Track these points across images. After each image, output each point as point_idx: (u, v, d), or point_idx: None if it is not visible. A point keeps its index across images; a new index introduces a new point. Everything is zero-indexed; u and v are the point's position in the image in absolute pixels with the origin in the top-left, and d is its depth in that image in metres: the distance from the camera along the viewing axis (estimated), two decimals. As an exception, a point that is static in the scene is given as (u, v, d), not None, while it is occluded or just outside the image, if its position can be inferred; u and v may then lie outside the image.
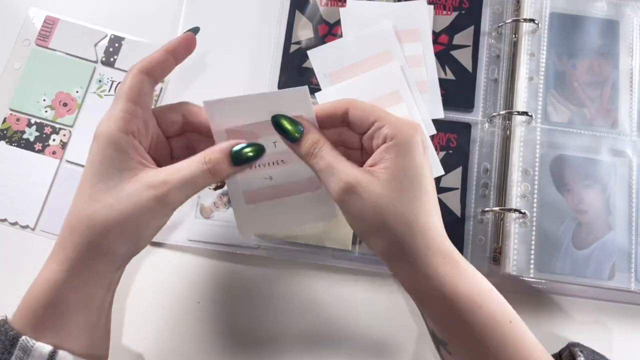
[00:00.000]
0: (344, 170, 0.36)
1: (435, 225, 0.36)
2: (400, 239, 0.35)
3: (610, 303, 0.49)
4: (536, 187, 0.49)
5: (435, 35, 0.53)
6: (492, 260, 0.49)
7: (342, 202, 0.36)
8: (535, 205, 0.48)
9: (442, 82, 0.52)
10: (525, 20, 0.51)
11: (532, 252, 0.48)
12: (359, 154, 0.40)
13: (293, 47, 0.53)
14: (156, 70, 0.38)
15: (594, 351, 0.40)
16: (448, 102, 0.52)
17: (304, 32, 0.53)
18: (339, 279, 0.50)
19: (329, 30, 0.53)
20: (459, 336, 0.36)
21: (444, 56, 0.52)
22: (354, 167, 0.36)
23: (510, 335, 0.35)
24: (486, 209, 0.49)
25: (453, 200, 0.50)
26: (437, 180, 0.50)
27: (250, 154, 0.37)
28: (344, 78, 0.51)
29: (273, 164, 0.39)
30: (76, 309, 0.35)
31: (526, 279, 0.47)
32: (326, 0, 0.54)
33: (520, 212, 0.48)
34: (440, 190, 0.50)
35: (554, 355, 0.38)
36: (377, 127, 0.37)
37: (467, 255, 0.49)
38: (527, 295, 0.49)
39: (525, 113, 0.49)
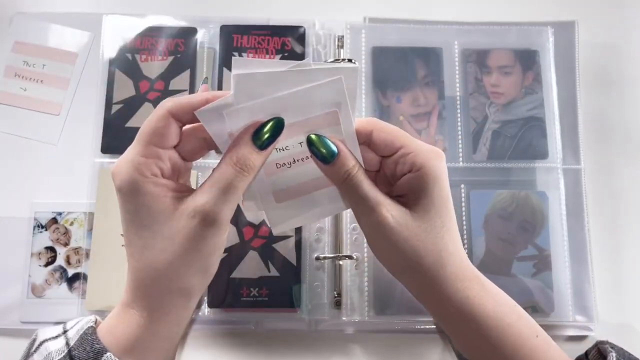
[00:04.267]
0: (376, 201, 0.35)
1: (460, 251, 0.37)
2: (430, 269, 0.35)
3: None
4: (366, 228, 0.48)
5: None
6: (334, 305, 0.48)
7: (372, 233, 0.36)
8: (366, 247, 0.48)
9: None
10: (344, 60, 0.51)
11: (367, 295, 0.47)
12: (373, 175, 0.39)
13: (115, 107, 0.52)
14: (187, 116, 0.35)
15: (623, 349, 0.39)
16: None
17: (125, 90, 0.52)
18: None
19: (150, 87, 0.52)
20: (488, 355, 0.36)
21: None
22: (386, 198, 0.36)
23: (538, 349, 0.36)
24: (320, 255, 0.48)
25: (287, 248, 0.49)
26: (272, 230, 0.49)
27: (270, 131, 0.35)
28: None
29: (298, 160, 0.37)
30: (157, 349, 0.36)
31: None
32: (145, 56, 0.52)
33: (351, 257, 0.47)
34: (274, 239, 0.49)
35: (579, 357, 0.39)
36: (402, 153, 0.36)
37: (305, 302, 0.48)
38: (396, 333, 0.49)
39: (349, 154, 0.49)
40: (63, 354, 0.33)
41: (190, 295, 0.36)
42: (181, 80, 0.52)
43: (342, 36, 0.53)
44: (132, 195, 0.34)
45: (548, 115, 0.51)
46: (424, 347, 0.48)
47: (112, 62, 0.53)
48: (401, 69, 0.52)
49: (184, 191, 0.35)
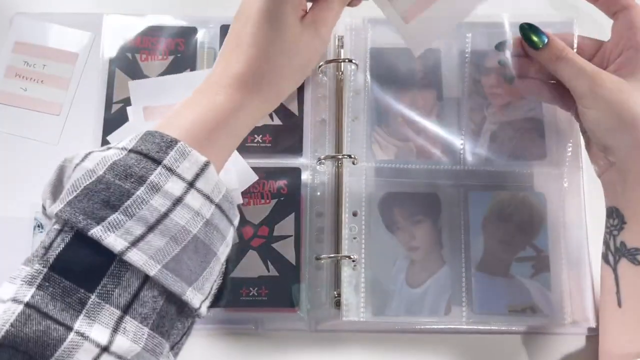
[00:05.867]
0: (592, 70, 0.42)
1: None
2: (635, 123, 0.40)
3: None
4: (364, 228, 0.48)
5: (260, 82, 0.52)
6: (334, 305, 0.48)
7: (590, 100, 0.42)
8: (363, 247, 0.48)
9: (270, 129, 0.51)
10: (344, 60, 0.51)
11: (363, 296, 0.47)
12: None
13: (115, 107, 0.52)
14: None
15: None
16: (276, 148, 0.51)
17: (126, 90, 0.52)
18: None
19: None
20: None
21: (269, 102, 0.52)
22: (600, 69, 0.42)
23: None
24: (320, 255, 0.48)
25: (287, 248, 0.49)
26: (271, 229, 0.49)
27: None
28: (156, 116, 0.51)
29: None
30: (239, 134, 0.38)
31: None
32: (145, 55, 0.53)
33: (349, 258, 0.47)
34: (273, 239, 0.49)
35: None
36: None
37: (304, 302, 0.48)
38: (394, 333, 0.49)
39: (348, 156, 0.49)
40: (123, 154, 0.32)
41: (280, 94, 0.40)
42: (181, 80, 0.52)
43: (342, 36, 0.53)
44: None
45: (546, 116, 0.51)
46: (424, 347, 0.48)
47: (112, 61, 0.53)
48: (400, 70, 0.52)
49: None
